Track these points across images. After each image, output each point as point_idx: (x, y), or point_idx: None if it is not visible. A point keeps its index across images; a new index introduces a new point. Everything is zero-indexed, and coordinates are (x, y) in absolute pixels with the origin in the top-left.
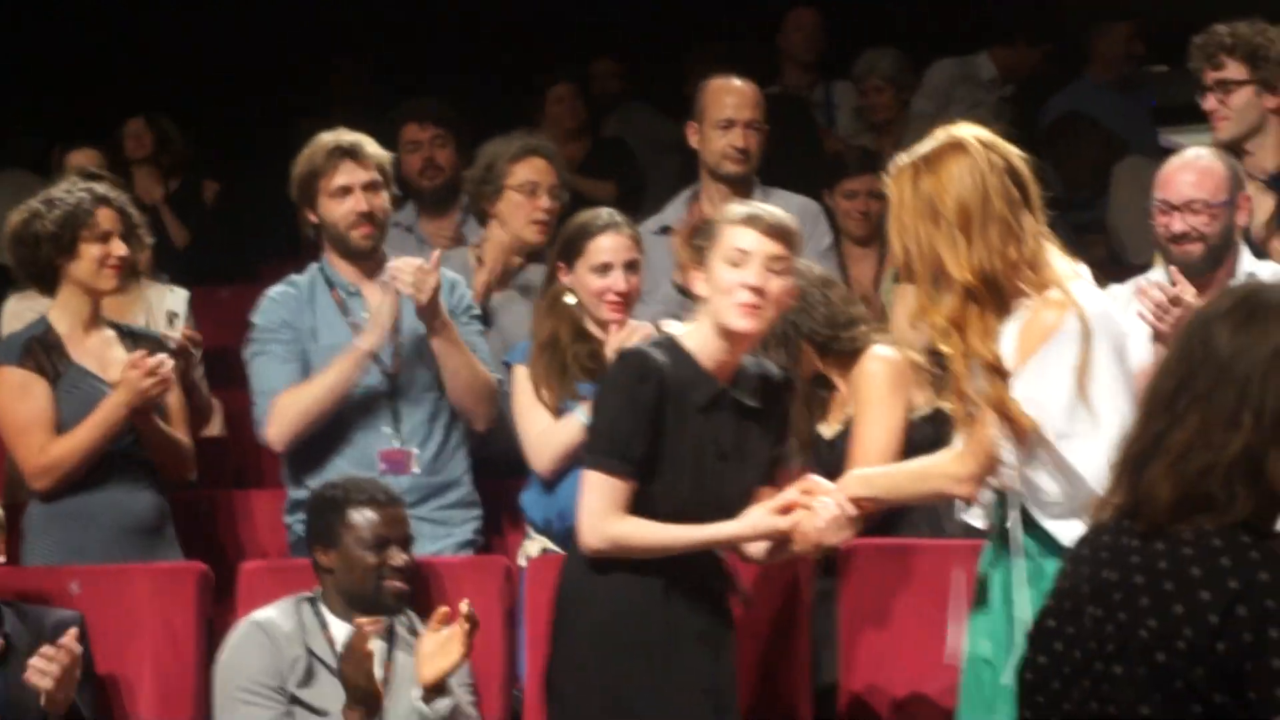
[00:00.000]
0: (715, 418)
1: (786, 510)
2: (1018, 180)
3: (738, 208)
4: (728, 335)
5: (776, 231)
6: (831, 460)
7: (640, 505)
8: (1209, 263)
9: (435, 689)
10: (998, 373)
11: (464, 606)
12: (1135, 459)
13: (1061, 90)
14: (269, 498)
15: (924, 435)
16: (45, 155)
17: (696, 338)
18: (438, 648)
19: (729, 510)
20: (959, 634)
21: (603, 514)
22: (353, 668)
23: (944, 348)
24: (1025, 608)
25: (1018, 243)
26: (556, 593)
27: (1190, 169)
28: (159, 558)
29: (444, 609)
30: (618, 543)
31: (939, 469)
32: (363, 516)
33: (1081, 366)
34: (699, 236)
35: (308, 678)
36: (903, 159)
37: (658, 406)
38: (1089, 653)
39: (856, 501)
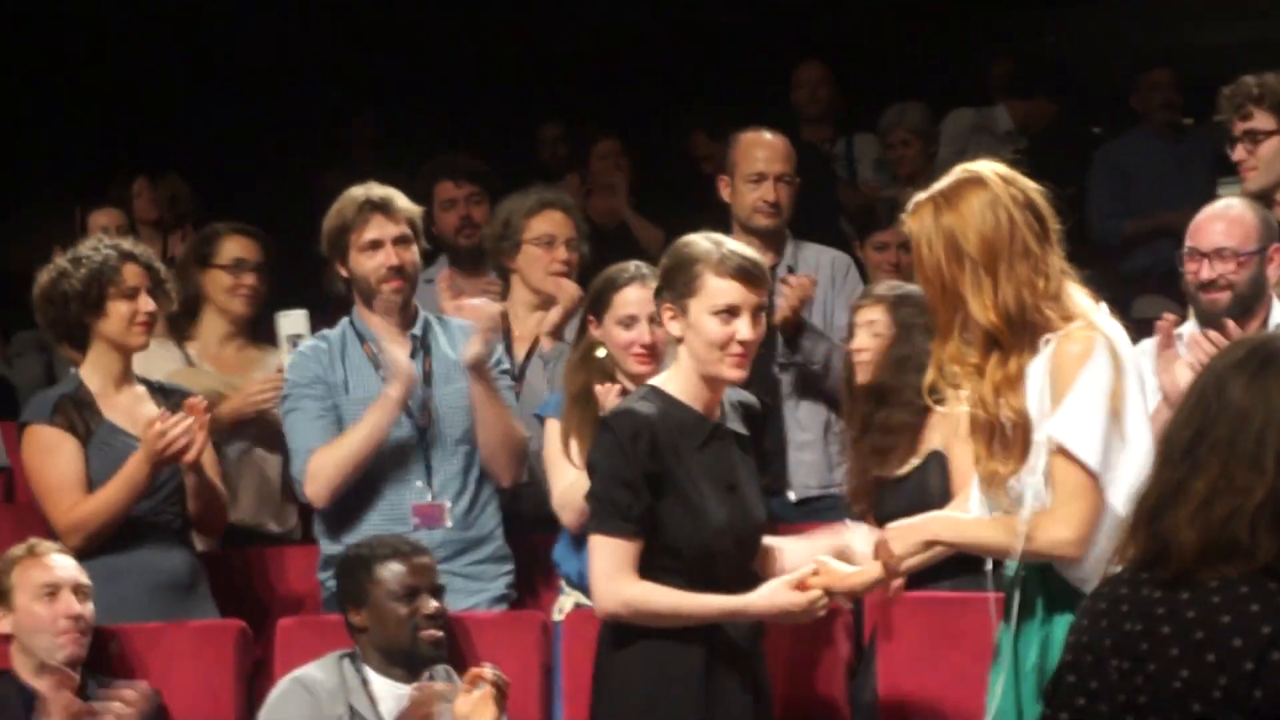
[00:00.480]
0: (714, 453)
1: (802, 586)
2: (1037, 214)
3: (714, 252)
4: (713, 382)
5: (759, 280)
6: (897, 501)
7: (663, 557)
8: (1237, 311)
9: None
10: (1019, 425)
11: (487, 671)
12: (1152, 509)
13: (1113, 139)
14: (302, 554)
15: None
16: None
17: (678, 380)
18: (471, 709)
19: (750, 544)
20: None
21: (613, 577)
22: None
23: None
24: (1029, 662)
25: (1044, 277)
26: (595, 661)
27: (1221, 218)
28: (194, 615)
29: (475, 670)
30: (633, 606)
31: (1044, 531)
32: (389, 570)
33: (1115, 394)
34: (673, 274)
35: None
36: (920, 196)
37: (653, 457)
38: (1117, 706)
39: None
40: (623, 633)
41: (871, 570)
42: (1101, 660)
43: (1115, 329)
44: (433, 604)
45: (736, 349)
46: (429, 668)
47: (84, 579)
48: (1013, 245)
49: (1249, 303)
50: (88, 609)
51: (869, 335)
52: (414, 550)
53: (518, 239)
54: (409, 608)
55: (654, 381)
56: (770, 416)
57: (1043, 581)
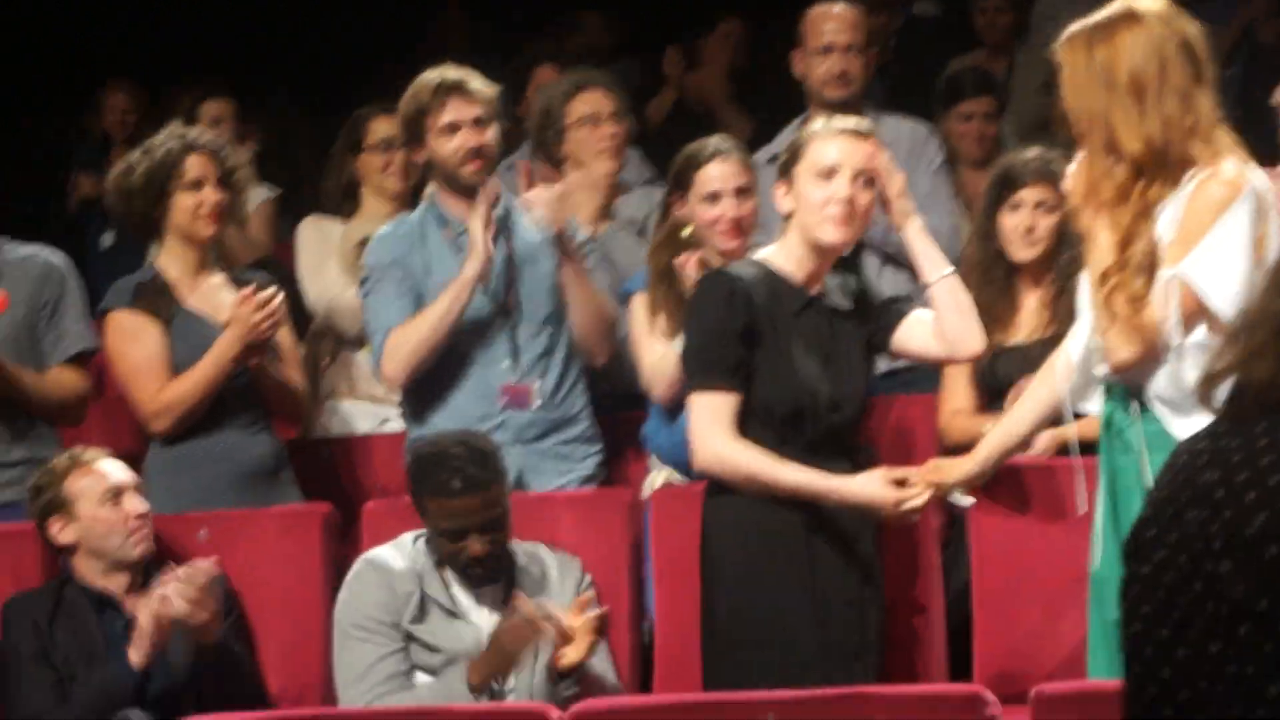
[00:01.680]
0: (809, 322)
1: (901, 482)
2: (1192, 55)
3: (821, 124)
4: (817, 249)
5: (859, 138)
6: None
7: (755, 417)
8: None
9: (562, 674)
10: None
11: (592, 610)
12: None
13: None
14: (390, 441)
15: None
16: None
17: (782, 254)
18: (573, 635)
19: (846, 415)
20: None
21: (709, 430)
22: (511, 639)
23: (1100, 226)
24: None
25: (1194, 114)
26: (702, 526)
27: None
28: (278, 501)
29: (584, 598)
30: (725, 462)
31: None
32: (438, 504)
33: (1259, 242)
34: (786, 153)
35: (421, 614)
36: (1075, 28)
37: (749, 317)
38: (1195, 555)
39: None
40: (723, 489)
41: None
42: (1180, 513)
43: (1262, 179)
44: (481, 545)
45: (834, 209)
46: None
47: (137, 478)
48: (1163, 82)
49: None
50: (147, 505)
51: (1043, 213)
52: (464, 489)
53: (561, 125)
54: (455, 545)
55: (756, 255)
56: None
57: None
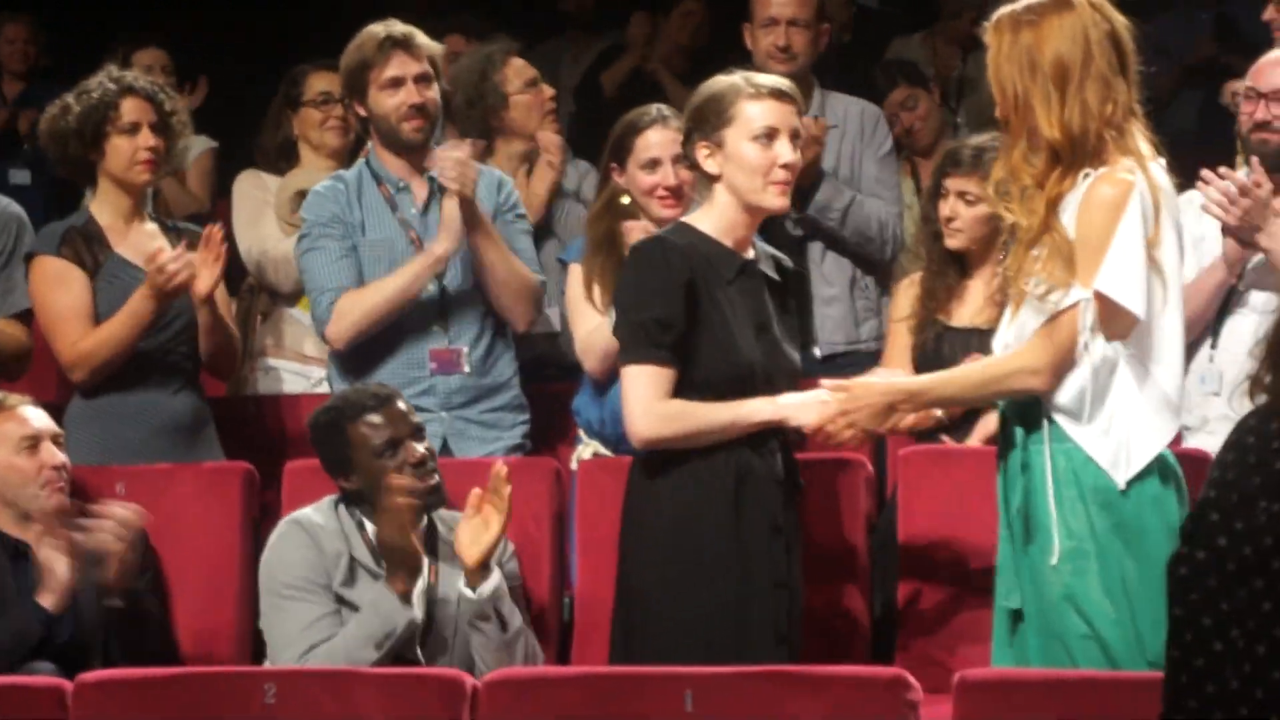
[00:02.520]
0: (745, 289)
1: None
2: (1119, 46)
3: (742, 81)
4: (753, 213)
5: (793, 99)
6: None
7: (690, 390)
8: None
9: (480, 570)
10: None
11: (497, 469)
12: None
13: None
14: (316, 401)
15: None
16: None
17: (710, 218)
18: (476, 531)
19: (781, 388)
20: None
21: (648, 402)
22: (391, 530)
23: (1020, 215)
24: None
25: (1113, 104)
26: (625, 496)
27: None
28: (198, 458)
29: (476, 491)
30: (671, 421)
31: (1009, 364)
32: (365, 427)
33: (1150, 242)
34: (705, 111)
35: (350, 577)
36: (1004, 10)
37: (688, 285)
38: (1264, 550)
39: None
40: (655, 461)
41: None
42: (1249, 500)
43: (1164, 178)
44: (419, 449)
45: (779, 174)
46: (430, 515)
47: (58, 428)
48: (1085, 69)
49: None
50: (66, 457)
51: (963, 204)
52: (383, 398)
53: (503, 91)
54: (395, 461)
55: (683, 219)
56: (802, 277)
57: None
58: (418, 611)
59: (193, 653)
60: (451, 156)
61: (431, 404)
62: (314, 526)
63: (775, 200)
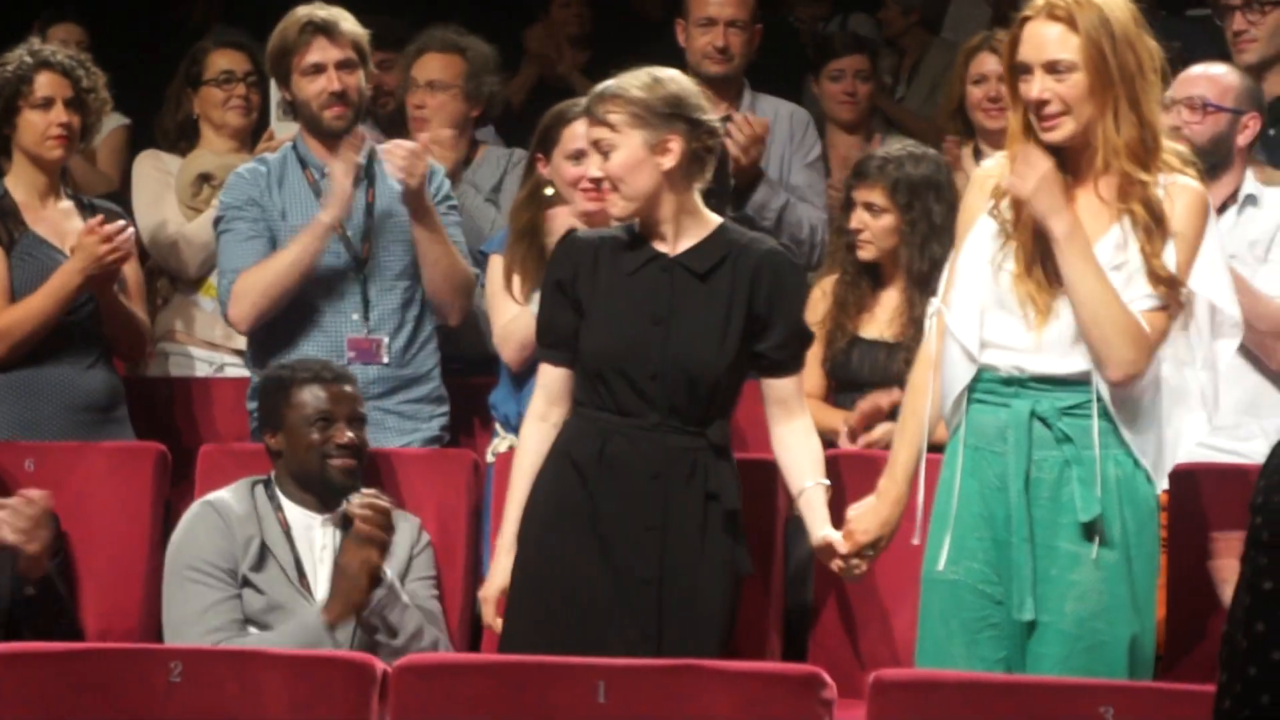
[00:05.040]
0: (647, 281)
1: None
2: (1163, 70)
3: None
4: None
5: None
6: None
7: (581, 378)
8: None
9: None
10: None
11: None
12: None
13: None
14: (232, 384)
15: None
16: None
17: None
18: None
19: (672, 379)
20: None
21: (536, 403)
22: (353, 560)
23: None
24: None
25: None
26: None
27: (1206, 72)
28: (110, 437)
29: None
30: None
31: (1132, 320)
32: (308, 393)
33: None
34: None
35: (259, 562)
36: None
37: (574, 281)
38: None
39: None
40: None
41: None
42: None
43: None
44: (348, 434)
45: (584, 185)
46: (343, 497)
47: None
48: (1149, 69)
49: (1209, 163)
50: None
51: (870, 215)
52: (337, 376)
53: (407, 86)
54: (322, 435)
55: None
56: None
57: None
58: (339, 639)
59: (98, 631)
60: (406, 146)
61: None
62: (226, 509)
63: (587, 206)
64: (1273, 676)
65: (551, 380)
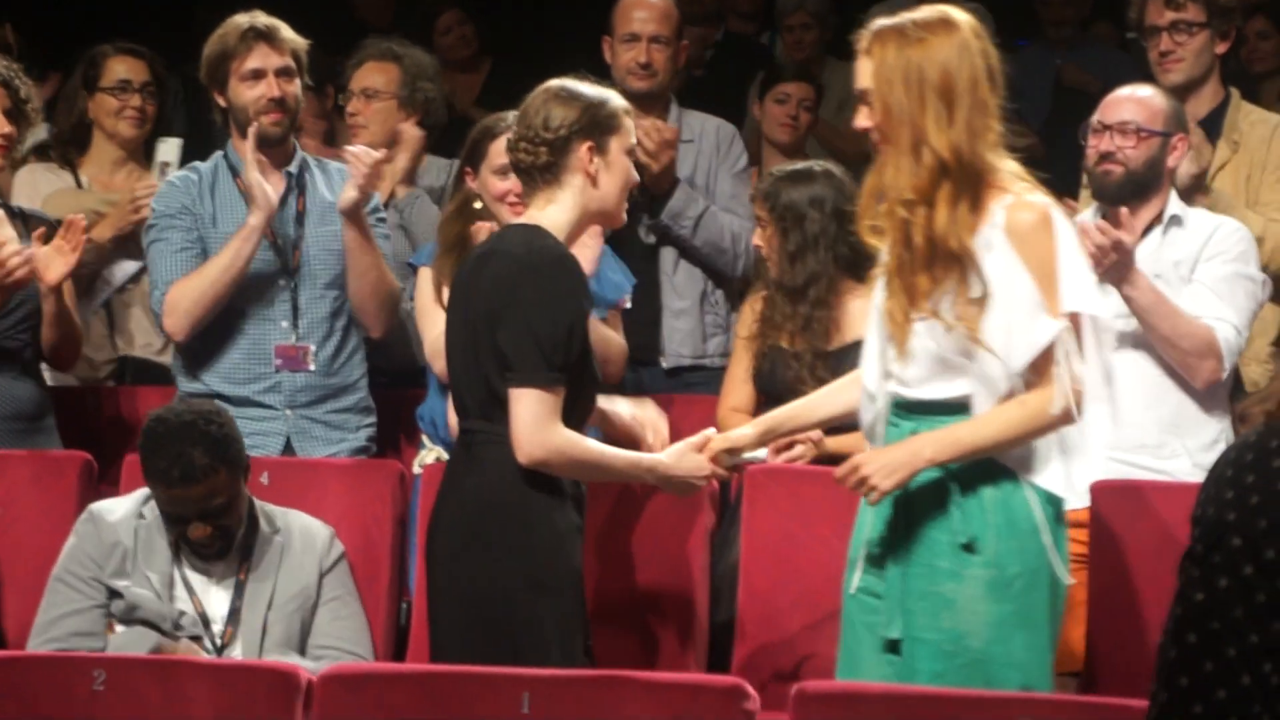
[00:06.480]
0: None
1: (702, 449)
2: (993, 74)
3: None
4: (591, 221)
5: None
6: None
7: (575, 401)
8: (1128, 191)
9: None
10: (962, 262)
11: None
12: None
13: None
14: (160, 393)
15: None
16: None
17: (560, 223)
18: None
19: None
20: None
21: (541, 425)
22: None
23: (898, 223)
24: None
25: (992, 131)
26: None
27: (1134, 95)
28: (37, 446)
29: None
30: (563, 453)
31: (1040, 409)
32: (157, 491)
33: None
34: (598, 115)
35: (128, 568)
36: (886, 23)
37: (585, 302)
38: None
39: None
40: (515, 485)
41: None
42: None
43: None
44: (199, 531)
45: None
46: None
47: None
48: (973, 92)
49: (1143, 186)
50: None
51: (761, 230)
52: (182, 478)
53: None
54: (175, 531)
55: (532, 222)
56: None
57: None
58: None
59: (20, 640)
60: (373, 156)
61: (276, 401)
62: (103, 517)
63: (623, 213)
64: (1205, 687)
65: (558, 404)
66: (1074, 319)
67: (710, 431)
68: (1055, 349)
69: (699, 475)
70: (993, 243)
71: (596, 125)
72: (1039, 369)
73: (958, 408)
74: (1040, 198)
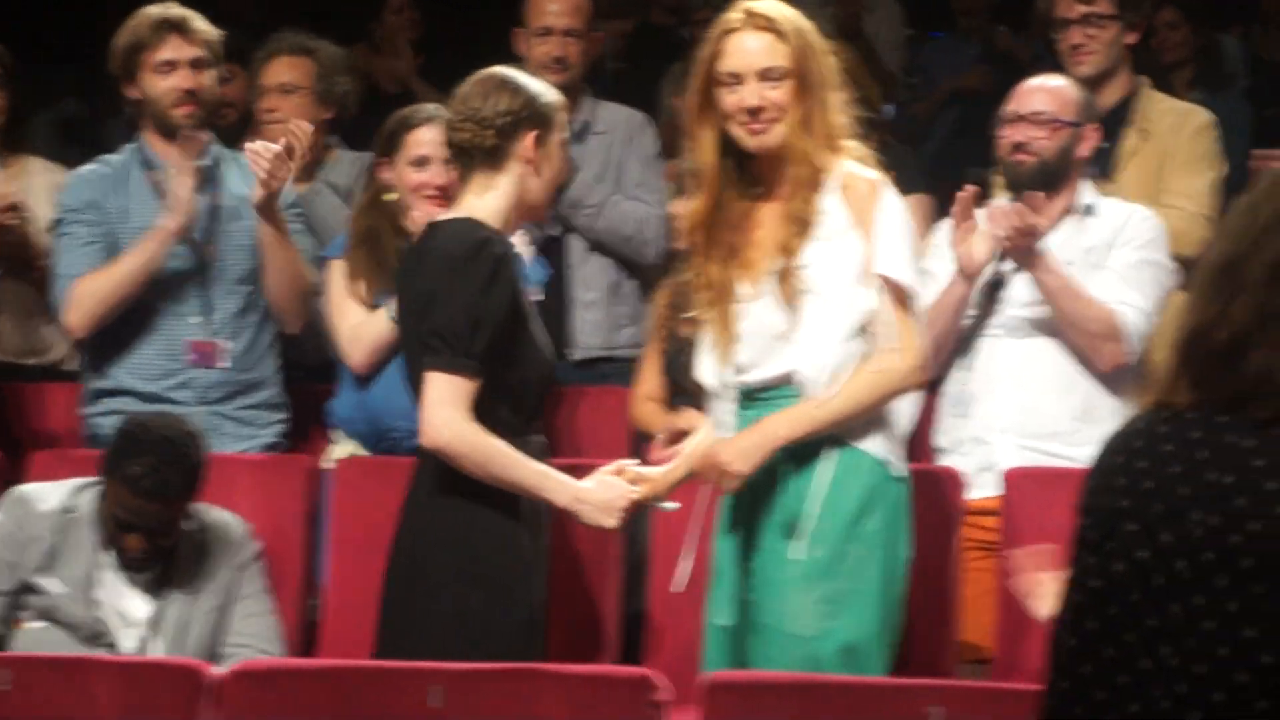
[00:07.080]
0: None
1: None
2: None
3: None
4: (524, 214)
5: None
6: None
7: (506, 396)
8: (1040, 180)
9: None
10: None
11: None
12: (1229, 344)
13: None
14: (67, 389)
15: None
16: None
17: (495, 213)
18: None
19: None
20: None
21: (447, 407)
22: None
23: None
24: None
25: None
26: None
27: (1045, 86)
28: None
29: None
30: (465, 440)
31: (887, 370)
32: (117, 493)
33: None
34: (536, 104)
35: (49, 565)
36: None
37: (512, 291)
38: (1203, 566)
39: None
40: (443, 487)
41: (681, 467)
42: (1177, 511)
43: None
44: (135, 543)
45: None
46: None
47: None
48: (835, 75)
49: (1054, 175)
50: None
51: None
52: (147, 490)
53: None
54: (110, 533)
55: (467, 214)
56: None
57: None
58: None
59: None
60: (274, 150)
61: (188, 397)
62: (30, 503)
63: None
64: (1106, 672)
65: (470, 393)
66: (893, 287)
67: (629, 463)
68: (891, 310)
69: (615, 507)
70: (830, 208)
71: (541, 116)
72: (875, 334)
73: (794, 384)
74: (876, 172)
